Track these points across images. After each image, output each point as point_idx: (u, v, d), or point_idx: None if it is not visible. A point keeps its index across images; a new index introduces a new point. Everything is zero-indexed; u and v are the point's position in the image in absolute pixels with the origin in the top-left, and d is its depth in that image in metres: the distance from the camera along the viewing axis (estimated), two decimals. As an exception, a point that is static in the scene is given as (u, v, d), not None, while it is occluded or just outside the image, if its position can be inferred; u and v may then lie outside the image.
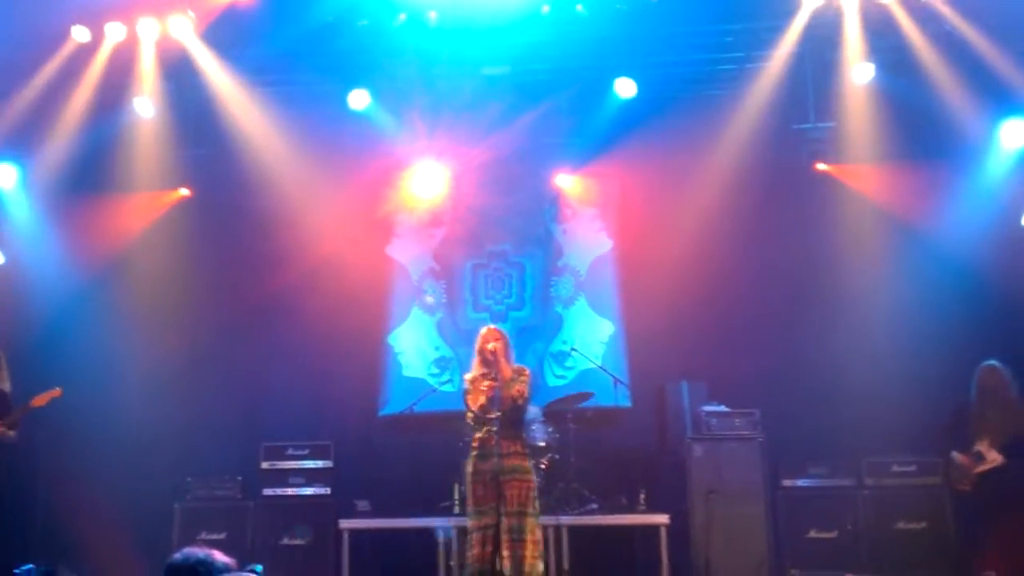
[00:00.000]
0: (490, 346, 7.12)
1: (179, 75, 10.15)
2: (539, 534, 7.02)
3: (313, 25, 9.47)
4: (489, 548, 6.84)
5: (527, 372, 7.21)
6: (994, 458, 7.82)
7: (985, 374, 8.03)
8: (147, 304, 10.30)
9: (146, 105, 10.07)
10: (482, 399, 7.02)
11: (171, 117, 10.37)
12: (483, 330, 7.36)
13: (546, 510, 8.64)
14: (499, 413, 6.96)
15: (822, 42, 9.83)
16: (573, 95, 10.45)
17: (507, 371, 7.04)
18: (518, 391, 6.98)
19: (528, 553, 6.85)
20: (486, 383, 7.08)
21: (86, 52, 9.72)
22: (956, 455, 8.00)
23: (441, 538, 8.64)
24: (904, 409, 8.89)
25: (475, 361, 7.28)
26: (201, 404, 10.01)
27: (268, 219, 10.42)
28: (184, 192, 10.81)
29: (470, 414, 7.15)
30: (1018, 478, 7.69)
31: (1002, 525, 7.51)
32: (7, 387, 8.40)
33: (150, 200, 10.70)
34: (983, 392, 8.01)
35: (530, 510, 6.95)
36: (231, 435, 9.99)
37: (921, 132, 9.75)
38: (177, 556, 3.33)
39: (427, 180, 10.72)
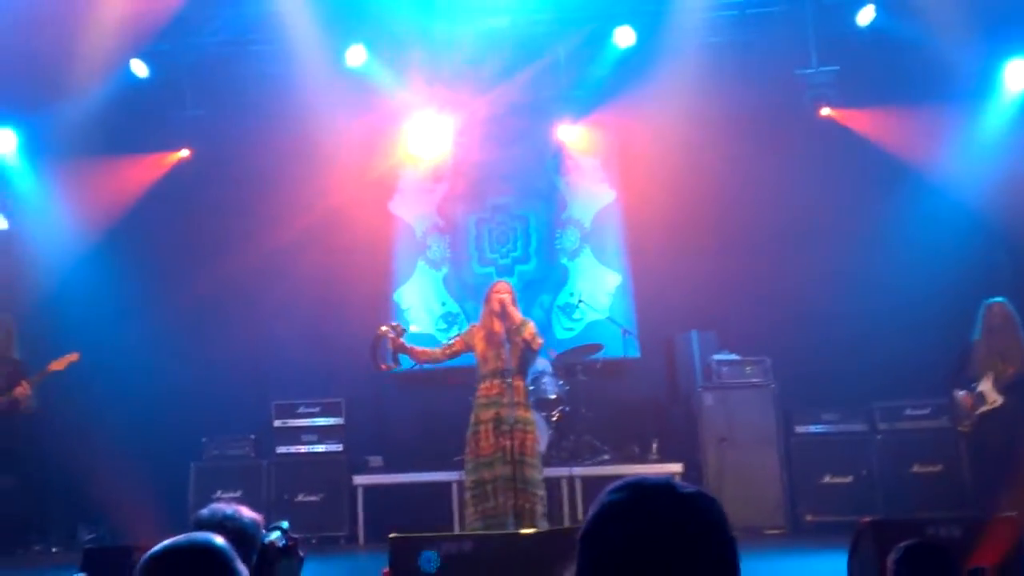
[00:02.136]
0: (499, 299, 7.17)
1: (174, 35, 10.03)
2: (543, 489, 7.08)
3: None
4: (496, 501, 6.89)
5: (531, 324, 7.23)
6: (994, 399, 7.85)
7: (992, 310, 8.01)
8: (152, 267, 10.30)
9: (142, 67, 9.97)
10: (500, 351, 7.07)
11: (168, 78, 10.28)
12: (493, 283, 7.50)
13: (559, 462, 8.74)
14: (505, 364, 7.01)
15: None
16: (573, 45, 10.36)
17: (517, 318, 7.09)
18: (530, 334, 7.04)
19: (535, 506, 6.90)
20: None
21: (82, 14, 9.57)
22: (959, 394, 8.03)
23: None
24: (914, 352, 8.89)
25: (483, 311, 7.36)
26: (212, 364, 10.02)
27: (269, 178, 10.40)
28: (184, 153, 10.73)
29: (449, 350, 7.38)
30: (1016, 418, 7.74)
31: (1008, 465, 7.52)
32: (17, 355, 8.40)
33: (151, 162, 10.64)
34: (988, 328, 7.99)
35: (534, 460, 7.00)
36: (243, 394, 10.06)
37: (925, 74, 9.68)
38: (204, 512, 3.34)
39: (428, 136, 10.63)
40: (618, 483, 1.87)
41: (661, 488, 1.83)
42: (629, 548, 1.78)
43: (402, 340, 7.28)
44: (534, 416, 7.28)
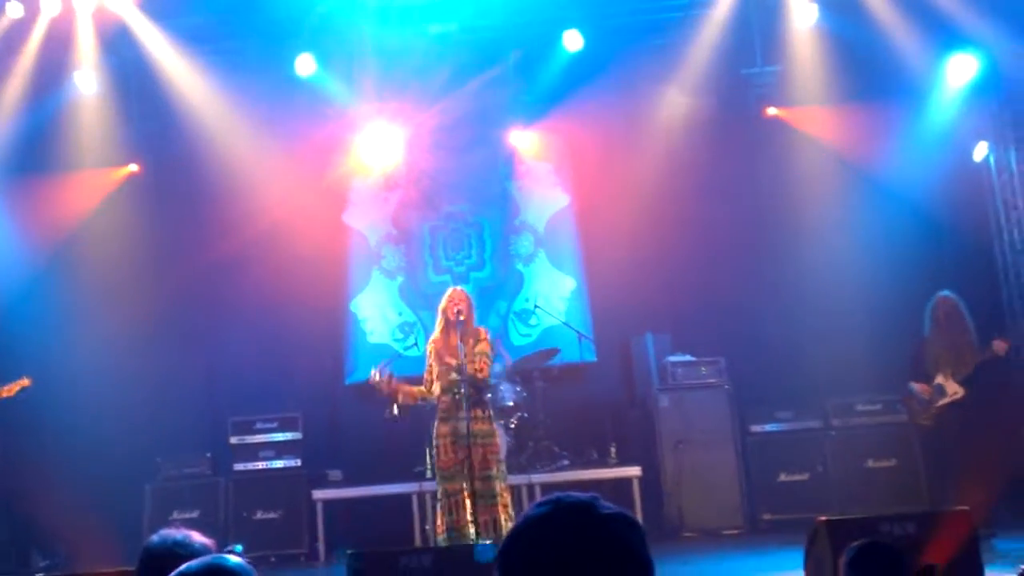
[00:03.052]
0: (456, 309, 7.06)
1: (119, 48, 9.93)
2: (508, 497, 7.06)
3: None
4: (459, 514, 6.87)
5: (484, 334, 7.14)
6: (955, 391, 7.85)
7: (938, 304, 8.04)
8: (102, 284, 10.09)
9: (88, 80, 9.89)
10: (451, 375, 6.99)
11: (114, 92, 10.17)
12: (448, 291, 7.29)
13: (518, 469, 8.74)
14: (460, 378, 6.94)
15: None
16: (522, 51, 10.36)
17: (476, 341, 7.01)
18: (478, 368, 6.93)
19: (502, 516, 6.89)
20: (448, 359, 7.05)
21: (21, 28, 9.46)
22: (915, 386, 8.03)
23: None
24: (866, 349, 8.98)
25: (438, 321, 7.20)
26: (166, 382, 9.92)
27: (219, 192, 10.27)
28: (133, 168, 10.64)
29: (431, 381, 7.11)
30: (978, 410, 7.77)
31: (968, 458, 7.51)
32: None
33: (98, 177, 10.51)
34: (937, 322, 8.02)
35: (495, 472, 6.96)
36: (198, 412, 9.98)
37: (868, 72, 9.78)
38: (154, 538, 3.30)
39: (379, 145, 10.63)
40: (541, 499, 1.90)
41: (581, 507, 1.85)
42: (543, 567, 1.80)
43: (395, 385, 7.10)
44: (496, 426, 7.23)
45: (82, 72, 9.81)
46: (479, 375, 6.93)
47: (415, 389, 7.17)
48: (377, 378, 7.11)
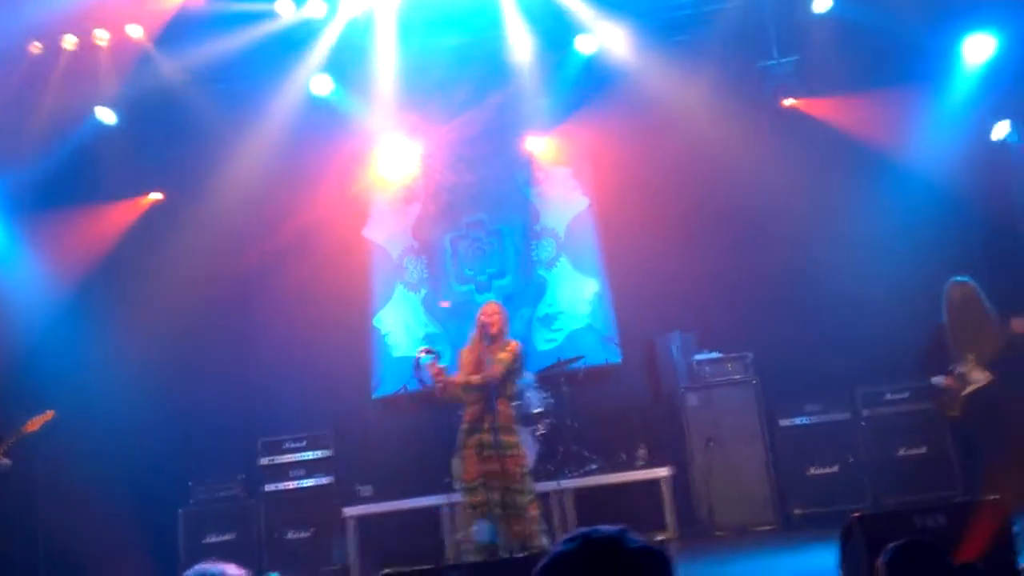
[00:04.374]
0: (487, 322, 7.16)
1: (139, 81, 10.06)
2: (536, 510, 7.02)
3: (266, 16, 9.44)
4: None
5: (514, 346, 7.17)
6: (978, 377, 7.62)
7: (953, 290, 7.82)
8: (129, 312, 10.26)
9: (108, 113, 10.04)
10: (473, 377, 7.03)
11: (136, 123, 10.32)
12: (483, 304, 7.42)
13: (548, 475, 8.72)
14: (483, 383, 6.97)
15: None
16: (536, 57, 10.34)
17: (497, 352, 7.05)
18: (490, 373, 6.97)
19: (529, 528, 6.87)
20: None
21: (43, 65, 9.63)
22: (939, 380, 7.82)
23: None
24: (892, 336, 8.81)
25: (473, 335, 7.30)
26: (194, 406, 10.06)
27: (241, 214, 10.38)
28: (157, 196, 10.78)
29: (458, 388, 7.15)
30: (1006, 394, 7.57)
31: (1001, 444, 7.37)
32: None
33: (124, 208, 10.68)
34: (953, 309, 7.79)
35: (520, 485, 6.94)
36: (228, 434, 10.07)
37: (884, 57, 9.68)
38: (189, 573, 3.35)
39: (397, 158, 10.70)
40: (570, 534, 1.93)
41: (609, 543, 1.88)
42: None
43: (440, 367, 7.10)
44: (521, 436, 7.21)
45: (103, 105, 9.96)
46: (488, 378, 6.95)
47: (457, 380, 7.17)
48: (425, 356, 7.22)
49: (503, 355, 7.06)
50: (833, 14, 9.79)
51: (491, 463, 6.90)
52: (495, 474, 6.88)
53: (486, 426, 6.93)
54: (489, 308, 7.27)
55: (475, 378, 7.01)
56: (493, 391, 6.97)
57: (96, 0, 9.39)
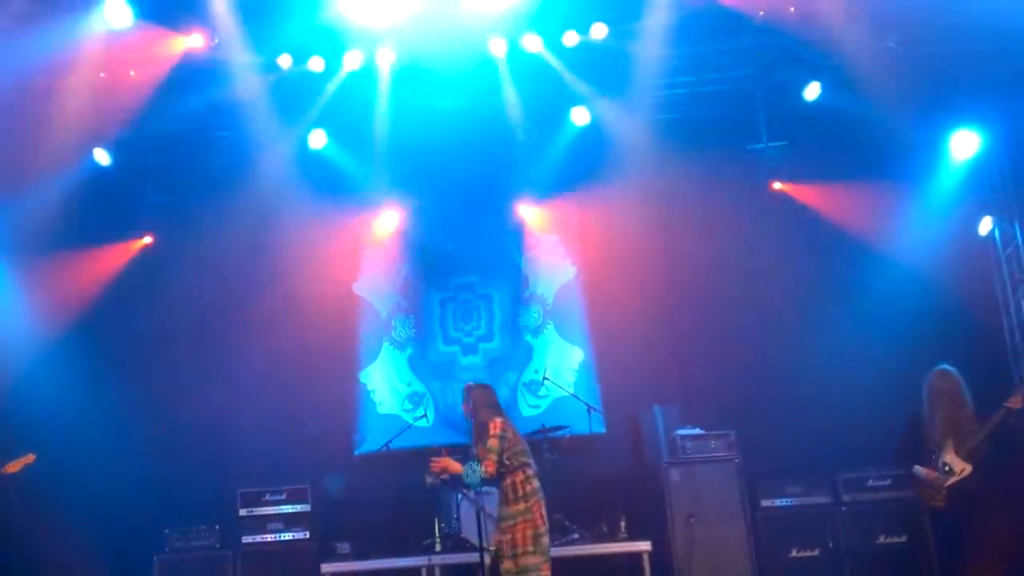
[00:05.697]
0: (463, 408, 7.29)
1: (136, 124, 10.08)
2: (548, 569, 6.94)
3: (268, 69, 9.52)
4: None
5: (494, 428, 7.01)
6: (962, 468, 7.60)
7: (936, 379, 7.81)
8: (112, 356, 10.21)
9: (104, 155, 10.04)
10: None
11: (130, 165, 10.33)
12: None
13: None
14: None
15: (770, 63, 9.91)
16: (531, 126, 10.49)
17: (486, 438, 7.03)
18: (485, 468, 6.93)
19: None
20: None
21: (39, 106, 9.61)
22: (921, 471, 7.78)
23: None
24: (875, 423, 8.94)
25: None
26: (175, 453, 9.99)
27: (232, 263, 10.44)
28: (147, 240, 10.77)
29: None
30: (988, 485, 7.56)
31: (982, 536, 7.41)
32: None
33: (114, 252, 10.64)
34: (934, 397, 7.77)
35: (527, 548, 6.84)
36: (207, 483, 9.97)
37: (872, 149, 9.88)
38: None
39: (389, 217, 10.78)
40: None
41: None
42: None
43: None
44: (522, 505, 7.12)
45: (100, 147, 9.96)
46: (488, 476, 6.97)
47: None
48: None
49: (490, 443, 6.95)
50: (823, 103, 9.99)
51: (503, 534, 6.94)
52: (505, 545, 6.90)
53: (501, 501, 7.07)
54: (466, 395, 7.32)
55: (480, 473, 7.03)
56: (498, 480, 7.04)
57: (102, 43, 9.42)
